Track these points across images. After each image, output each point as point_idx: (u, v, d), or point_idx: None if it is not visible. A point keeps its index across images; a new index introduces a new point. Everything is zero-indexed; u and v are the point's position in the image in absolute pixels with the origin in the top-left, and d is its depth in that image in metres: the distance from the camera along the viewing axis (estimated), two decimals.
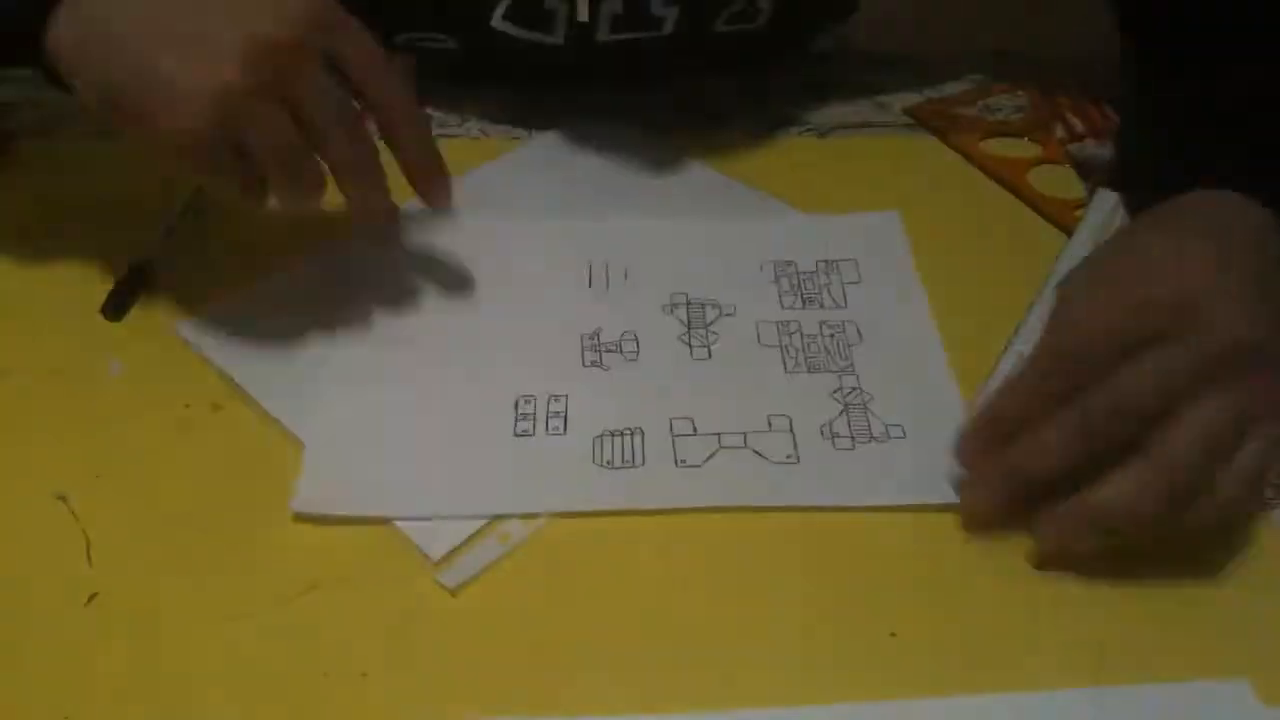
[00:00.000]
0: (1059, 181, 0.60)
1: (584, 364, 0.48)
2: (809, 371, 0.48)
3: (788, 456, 0.44)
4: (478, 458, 0.44)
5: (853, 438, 0.45)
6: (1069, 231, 0.56)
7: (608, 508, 0.42)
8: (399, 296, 0.52)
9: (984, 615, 0.39)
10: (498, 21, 0.57)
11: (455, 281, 0.53)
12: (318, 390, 0.47)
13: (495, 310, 0.51)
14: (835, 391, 0.47)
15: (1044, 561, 0.40)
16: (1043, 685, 0.37)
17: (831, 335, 0.50)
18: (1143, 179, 0.47)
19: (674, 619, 0.39)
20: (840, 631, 0.39)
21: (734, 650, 0.38)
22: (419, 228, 0.55)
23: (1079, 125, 0.65)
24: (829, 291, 0.52)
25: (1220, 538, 0.41)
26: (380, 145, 0.46)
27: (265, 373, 0.47)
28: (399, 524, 0.42)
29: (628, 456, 0.44)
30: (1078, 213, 0.57)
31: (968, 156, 0.62)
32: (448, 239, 0.54)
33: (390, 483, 0.43)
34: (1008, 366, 0.48)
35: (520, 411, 0.46)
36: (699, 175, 0.60)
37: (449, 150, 0.49)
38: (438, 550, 0.41)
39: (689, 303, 0.51)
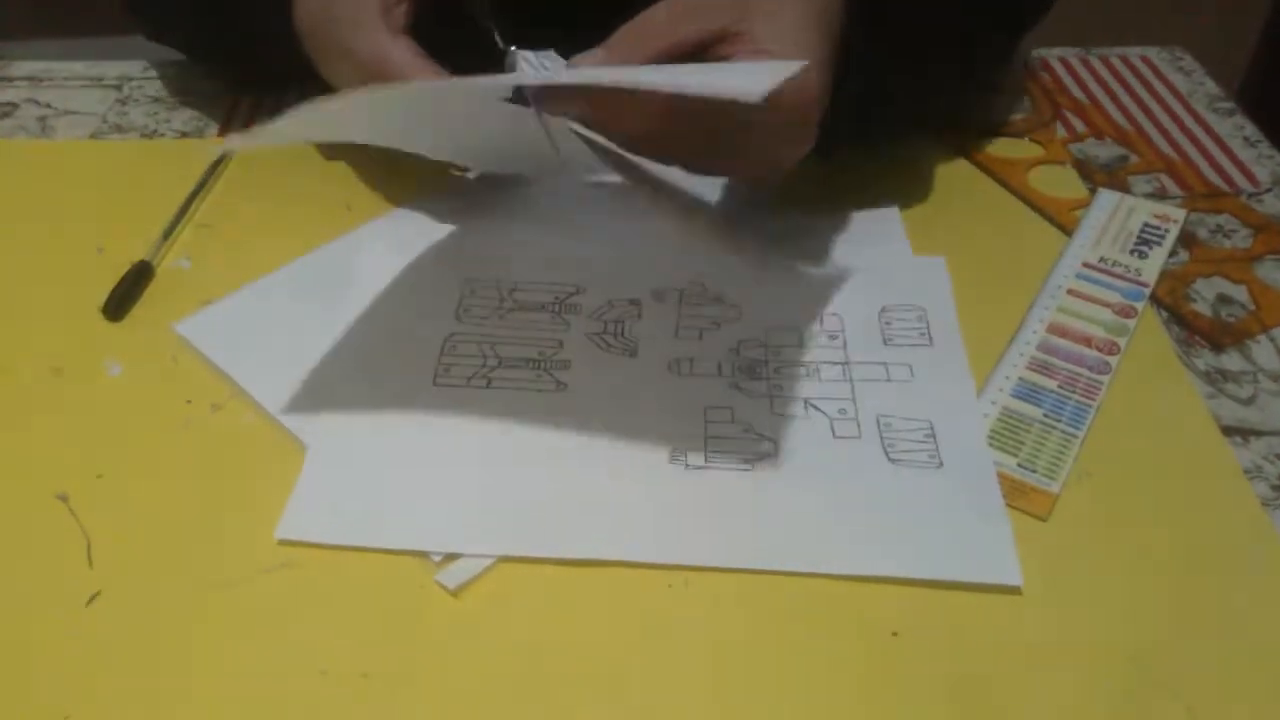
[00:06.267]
0: (1059, 181, 0.60)
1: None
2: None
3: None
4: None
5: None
6: (1069, 231, 0.56)
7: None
8: (400, 296, 0.52)
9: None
10: None
11: (453, 281, 0.53)
12: (319, 401, 0.46)
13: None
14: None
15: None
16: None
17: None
18: None
19: (675, 620, 0.39)
20: (841, 631, 0.39)
21: (735, 650, 0.38)
22: (425, 227, 0.55)
23: (1079, 125, 0.65)
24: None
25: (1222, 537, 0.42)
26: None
27: (265, 373, 0.47)
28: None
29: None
30: (1077, 213, 0.57)
31: (967, 156, 0.62)
32: (453, 239, 0.55)
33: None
34: (1009, 366, 0.48)
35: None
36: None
37: None
38: (438, 551, 0.41)
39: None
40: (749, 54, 0.45)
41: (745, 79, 0.39)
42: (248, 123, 0.65)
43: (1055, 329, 0.50)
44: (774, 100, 0.38)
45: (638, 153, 0.49)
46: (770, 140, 0.47)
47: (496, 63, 0.50)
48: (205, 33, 0.61)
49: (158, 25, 0.65)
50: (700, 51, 0.46)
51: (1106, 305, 0.51)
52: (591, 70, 0.45)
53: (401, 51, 0.49)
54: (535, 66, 0.49)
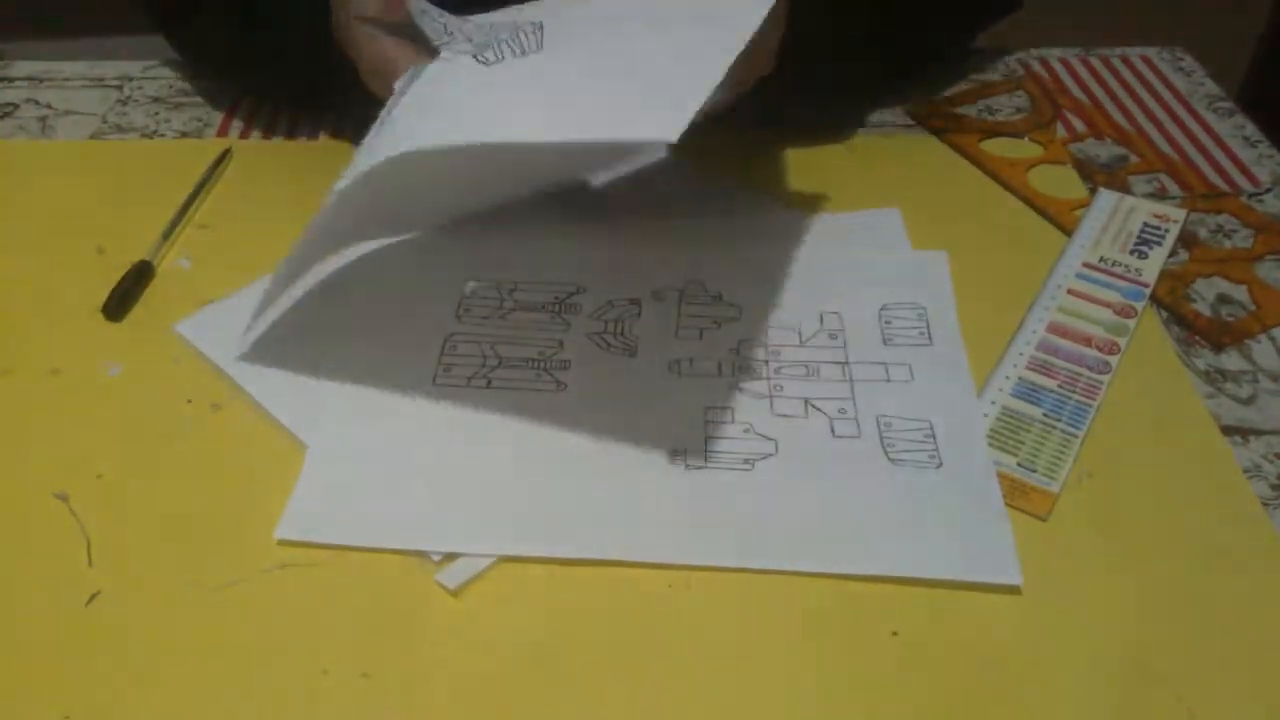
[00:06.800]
0: (1059, 181, 0.60)
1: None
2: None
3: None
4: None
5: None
6: (1069, 231, 0.56)
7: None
8: (401, 295, 0.52)
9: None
10: None
11: (456, 283, 0.53)
12: (319, 401, 0.46)
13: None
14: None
15: None
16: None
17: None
18: None
19: (675, 620, 0.39)
20: (841, 631, 0.39)
21: (735, 650, 0.38)
22: (428, 229, 0.55)
23: (1079, 125, 0.65)
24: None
25: (1223, 538, 0.42)
26: None
27: (265, 373, 0.47)
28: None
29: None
30: (1078, 213, 0.57)
31: (968, 156, 0.62)
32: (453, 239, 0.55)
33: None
34: (1009, 365, 0.48)
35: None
36: (690, 174, 0.60)
37: None
38: (438, 551, 0.41)
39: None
40: None
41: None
42: (248, 122, 0.65)
43: (1055, 329, 0.50)
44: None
45: None
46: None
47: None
48: (247, 54, 0.61)
49: (198, 50, 0.65)
50: None
51: (1106, 305, 0.51)
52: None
53: (390, 47, 0.48)
54: (435, 19, 0.47)
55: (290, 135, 0.64)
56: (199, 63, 0.69)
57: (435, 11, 0.46)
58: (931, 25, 0.65)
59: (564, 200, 0.57)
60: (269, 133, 0.64)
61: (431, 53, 0.46)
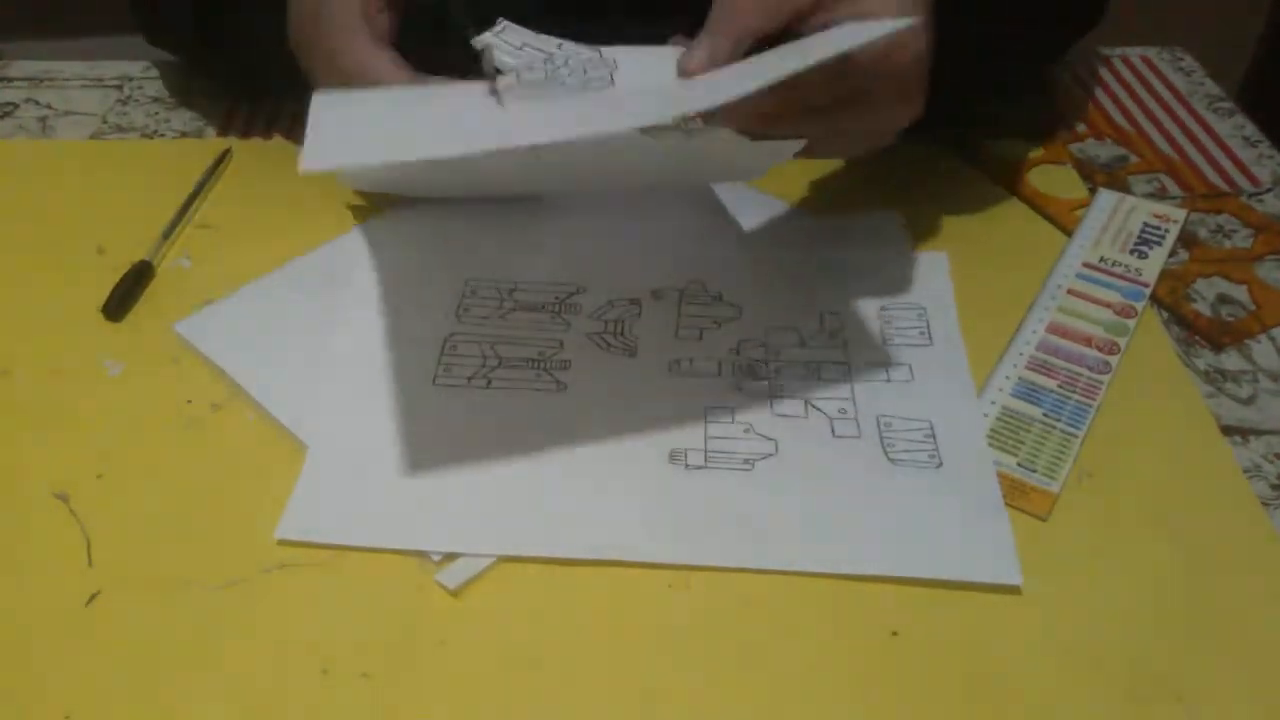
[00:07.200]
0: (1059, 181, 0.60)
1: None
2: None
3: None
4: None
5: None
6: (1069, 231, 0.56)
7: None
8: (400, 295, 0.52)
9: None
10: None
11: (453, 281, 0.53)
12: (318, 401, 0.46)
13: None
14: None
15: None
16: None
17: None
18: None
19: (675, 620, 0.39)
20: (841, 631, 0.39)
21: (735, 650, 0.38)
22: (425, 227, 0.55)
23: (1079, 125, 0.65)
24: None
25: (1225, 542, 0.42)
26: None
27: (265, 373, 0.47)
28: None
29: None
30: (1078, 213, 0.57)
31: (968, 157, 0.62)
32: (453, 239, 0.55)
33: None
34: (1009, 365, 0.48)
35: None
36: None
37: None
38: (438, 551, 0.41)
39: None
40: (851, 14, 0.43)
41: (875, 28, 0.41)
42: (248, 123, 0.65)
43: (1055, 329, 0.50)
44: (887, 61, 0.41)
45: (761, 137, 0.46)
46: (886, 104, 0.46)
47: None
48: (202, 35, 0.61)
49: (155, 28, 0.65)
50: (797, 22, 0.44)
51: (1106, 305, 0.51)
52: (718, 86, 0.42)
53: (382, 61, 0.47)
54: (513, 51, 0.47)
55: (290, 135, 0.64)
56: (163, 48, 0.68)
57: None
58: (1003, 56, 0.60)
59: (564, 200, 0.57)
60: (269, 133, 0.64)
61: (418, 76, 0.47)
